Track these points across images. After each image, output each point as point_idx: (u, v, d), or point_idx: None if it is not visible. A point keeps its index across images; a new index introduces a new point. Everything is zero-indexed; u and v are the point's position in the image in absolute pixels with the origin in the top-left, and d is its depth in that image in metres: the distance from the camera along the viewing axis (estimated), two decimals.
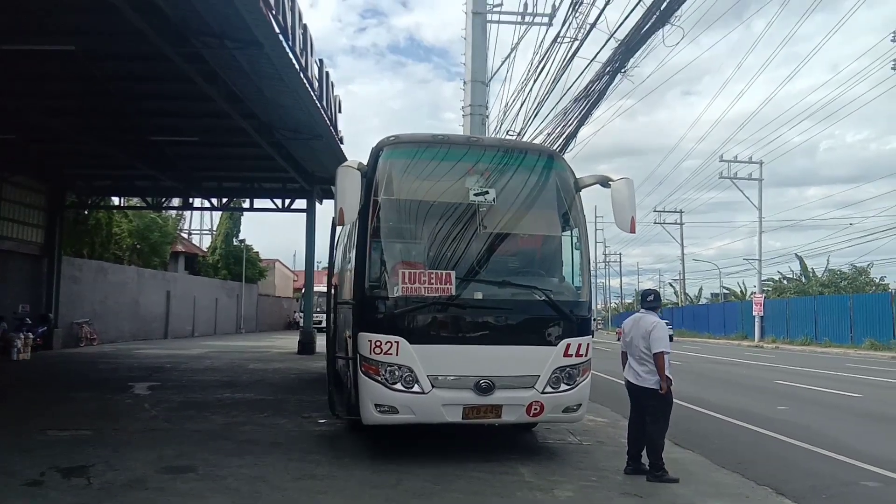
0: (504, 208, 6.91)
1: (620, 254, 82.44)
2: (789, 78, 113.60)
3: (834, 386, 14.83)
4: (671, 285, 71.59)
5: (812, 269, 48.79)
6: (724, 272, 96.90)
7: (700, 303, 65.52)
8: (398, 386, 6.30)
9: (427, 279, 6.41)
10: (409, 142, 7.16)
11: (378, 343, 6.32)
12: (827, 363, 22.81)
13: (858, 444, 8.23)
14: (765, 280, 47.50)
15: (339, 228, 8.90)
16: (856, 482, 6.51)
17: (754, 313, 41.07)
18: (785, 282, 51.13)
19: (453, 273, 6.45)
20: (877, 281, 43.98)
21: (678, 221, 58.41)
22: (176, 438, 7.55)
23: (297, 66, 11.81)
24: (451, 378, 6.39)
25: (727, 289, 62.73)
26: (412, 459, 6.57)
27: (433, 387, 6.32)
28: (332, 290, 8.46)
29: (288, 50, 11.06)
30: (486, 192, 6.84)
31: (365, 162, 6.86)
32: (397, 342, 6.31)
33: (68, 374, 15.00)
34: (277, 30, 10.30)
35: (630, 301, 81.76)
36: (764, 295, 43.36)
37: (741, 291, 58.03)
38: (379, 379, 6.32)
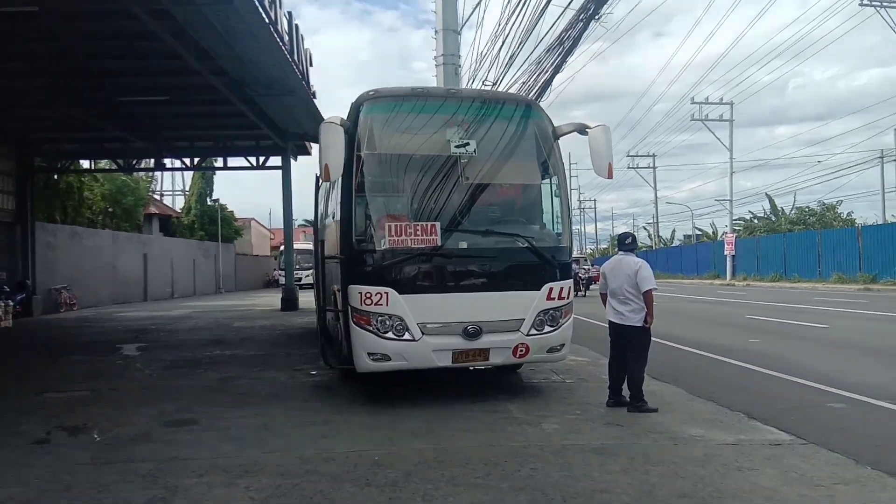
0: (485, 159, 7.08)
1: (595, 199, 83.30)
2: (759, 16, 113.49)
3: (802, 318, 15.47)
4: (645, 228, 72.57)
5: (781, 207, 49.90)
6: (696, 214, 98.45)
7: (673, 245, 66.66)
8: (389, 335, 6.55)
9: (413, 231, 6.60)
10: (389, 96, 7.25)
11: (368, 294, 6.53)
12: (796, 297, 23.62)
13: (825, 370, 8.72)
14: (736, 220, 48.55)
15: (322, 184, 8.99)
16: (823, 404, 6.96)
17: (726, 252, 42.01)
18: (755, 221, 52.21)
19: (438, 224, 6.64)
20: (844, 216, 45.15)
21: (651, 165, 58.94)
22: (173, 395, 7.76)
23: (266, 21, 11.66)
24: (440, 325, 6.65)
25: (700, 230, 63.93)
26: (406, 404, 6.87)
27: (423, 334, 6.58)
28: (320, 246, 8.59)
29: (257, 4, 10.90)
30: (467, 144, 6.98)
31: (345, 117, 6.94)
32: (387, 293, 6.53)
33: (54, 338, 15.06)
34: None
35: (605, 247, 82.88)
36: (735, 234, 44.30)
37: (713, 232, 59.18)
38: (371, 329, 6.56)
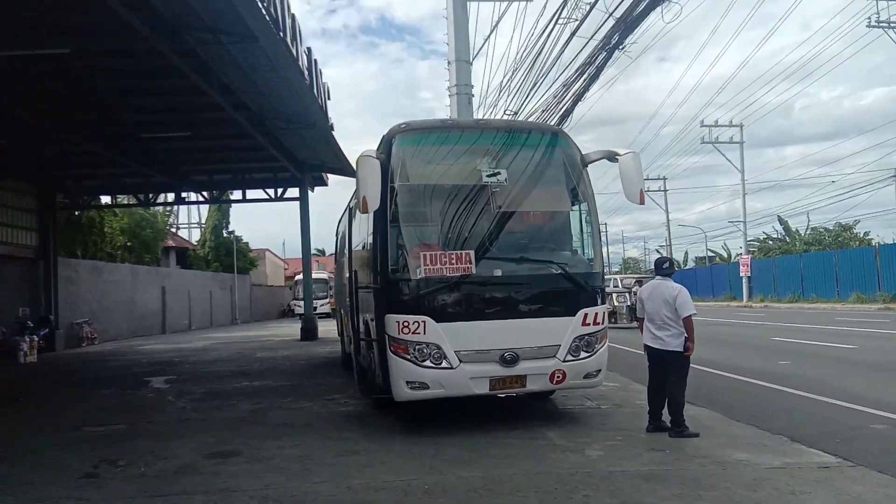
0: (516, 187, 7.17)
1: (606, 223, 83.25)
2: (765, 40, 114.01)
3: (828, 339, 15.34)
4: (658, 251, 72.38)
5: (796, 228, 49.66)
6: (708, 235, 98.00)
7: (687, 267, 66.39)
8: (427, 363, 6.59)
9: (448, 260, 6.67)
10: (420, 128, 7.40)
11: (406, 323, 6.59)
12: (817, 318, 23.40)
13: (861, 391, 8.65)
14: (750, 241, 48.30)
15: (355, 214, 9.08)
16: (865, 426, 6.90)
17: (741, 274, 41.78)
18: (769, 242, 51.98)
19: (472, 252, 6.71)
20: (860, 236, 44.88)
21: (662, 188, 58.91)
22: (210, 427, 7.80)
23: (291, 57, 11.90)
24: (477, 352, 6.68)
25: (713, 252, 63.68)
26: (444, 432, 6.86)
27: (461, 362, 6.61)
28: (354, 276, 8.68)
29: (281, 41, 11.14)
30: (498, 173, 7.10)
31: (377, 149, 7.06)
32: (424, 321, 6.58)
33: (80, 373, 15.15)
34: (270, 21, 10.38)
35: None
36: (750, 256, 44.08)
37: (726, 254, 58.89)
38: (408, 357, 6.60)
